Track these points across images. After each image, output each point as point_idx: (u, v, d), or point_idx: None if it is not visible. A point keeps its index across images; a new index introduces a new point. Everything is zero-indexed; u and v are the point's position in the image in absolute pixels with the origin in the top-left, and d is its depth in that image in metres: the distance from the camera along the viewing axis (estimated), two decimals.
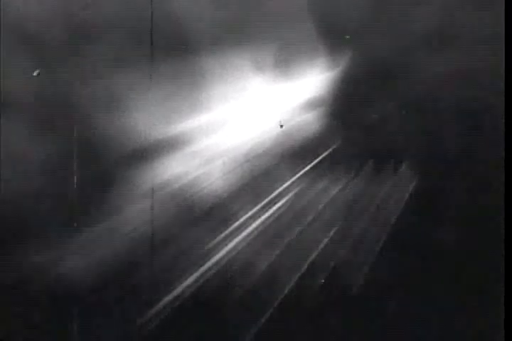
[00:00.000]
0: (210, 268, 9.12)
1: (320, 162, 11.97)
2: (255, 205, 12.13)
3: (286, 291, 8.59)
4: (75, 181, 11.65)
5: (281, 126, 11.12)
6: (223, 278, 8.55)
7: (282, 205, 11.23)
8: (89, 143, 11.72)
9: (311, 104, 12.50)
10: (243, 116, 12.95)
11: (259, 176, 12.66)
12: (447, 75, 12.19)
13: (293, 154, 12.66)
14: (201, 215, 11.61)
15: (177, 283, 9.37)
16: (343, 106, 12.54)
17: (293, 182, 11.99)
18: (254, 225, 11.14)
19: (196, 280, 9.14)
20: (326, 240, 10.33)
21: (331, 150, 11.79)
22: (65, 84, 12.29)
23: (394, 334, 7.78)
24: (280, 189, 12.24)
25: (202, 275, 9.29)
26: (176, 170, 11.71)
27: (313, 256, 8.97)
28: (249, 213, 11.71)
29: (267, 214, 11.18)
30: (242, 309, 8.22)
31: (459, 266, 9.11)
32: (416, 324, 7.94)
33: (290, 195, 11.76)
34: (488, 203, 10.55)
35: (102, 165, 12.01)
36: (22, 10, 11.11)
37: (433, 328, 7.78)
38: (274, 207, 11.38)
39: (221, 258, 8.98)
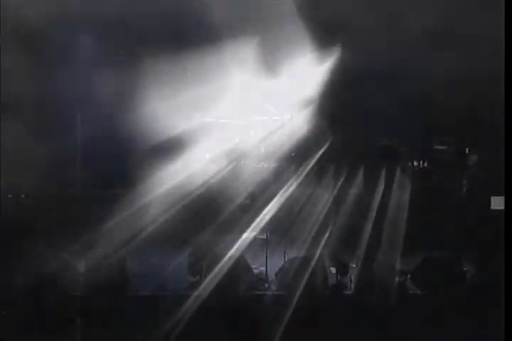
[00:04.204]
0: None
1: (313, 161, 11.81)
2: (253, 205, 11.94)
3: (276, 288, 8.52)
4: (80, 182, 11.49)
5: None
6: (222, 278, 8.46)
7: (276, 206, 11.13)
8: (94, 143, 11.56)
9: (301, 103, 12.31)
10: (237, 115, 12.75)
11: (250, 176, 12.51)
12: (446, 75, 12.01)
13: (283, 154, 12.45)
14: (204, 217, 11.47)
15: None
16: (333, 106, 12.33)
17: (287, 182, 11.86)
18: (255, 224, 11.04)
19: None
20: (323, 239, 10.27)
21: (322, 150, 11.66)
22: (65, 83, 12.08)
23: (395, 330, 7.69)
24: (272, 189, 12.08)
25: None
26: (174, 170, 11.54)
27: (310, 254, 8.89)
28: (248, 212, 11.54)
29: (264, 215, 11.10)
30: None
31: (460, 267, 9.01)
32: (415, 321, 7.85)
33: (285, 194, 11.62)
34: (488, 203, 10.40)
35: (103, 166, 11.85)
36: (21, 10, 10.93)
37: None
38: (271, 208, 11.28)
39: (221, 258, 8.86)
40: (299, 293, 8.43)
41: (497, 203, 9.94)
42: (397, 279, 8.99)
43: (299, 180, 12.38)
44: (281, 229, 11.51)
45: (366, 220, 10.73)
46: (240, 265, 8.79)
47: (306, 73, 12.89)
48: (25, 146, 11.40)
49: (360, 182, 11.57)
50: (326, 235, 10.98)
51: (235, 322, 7.87)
